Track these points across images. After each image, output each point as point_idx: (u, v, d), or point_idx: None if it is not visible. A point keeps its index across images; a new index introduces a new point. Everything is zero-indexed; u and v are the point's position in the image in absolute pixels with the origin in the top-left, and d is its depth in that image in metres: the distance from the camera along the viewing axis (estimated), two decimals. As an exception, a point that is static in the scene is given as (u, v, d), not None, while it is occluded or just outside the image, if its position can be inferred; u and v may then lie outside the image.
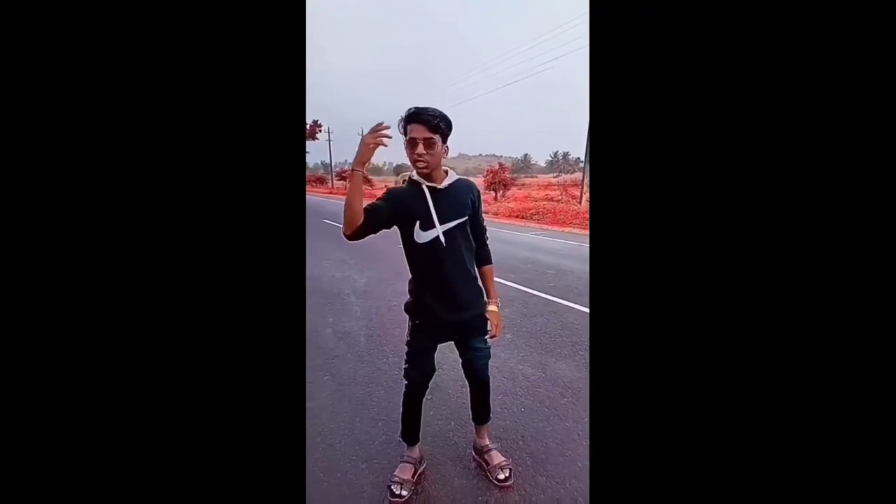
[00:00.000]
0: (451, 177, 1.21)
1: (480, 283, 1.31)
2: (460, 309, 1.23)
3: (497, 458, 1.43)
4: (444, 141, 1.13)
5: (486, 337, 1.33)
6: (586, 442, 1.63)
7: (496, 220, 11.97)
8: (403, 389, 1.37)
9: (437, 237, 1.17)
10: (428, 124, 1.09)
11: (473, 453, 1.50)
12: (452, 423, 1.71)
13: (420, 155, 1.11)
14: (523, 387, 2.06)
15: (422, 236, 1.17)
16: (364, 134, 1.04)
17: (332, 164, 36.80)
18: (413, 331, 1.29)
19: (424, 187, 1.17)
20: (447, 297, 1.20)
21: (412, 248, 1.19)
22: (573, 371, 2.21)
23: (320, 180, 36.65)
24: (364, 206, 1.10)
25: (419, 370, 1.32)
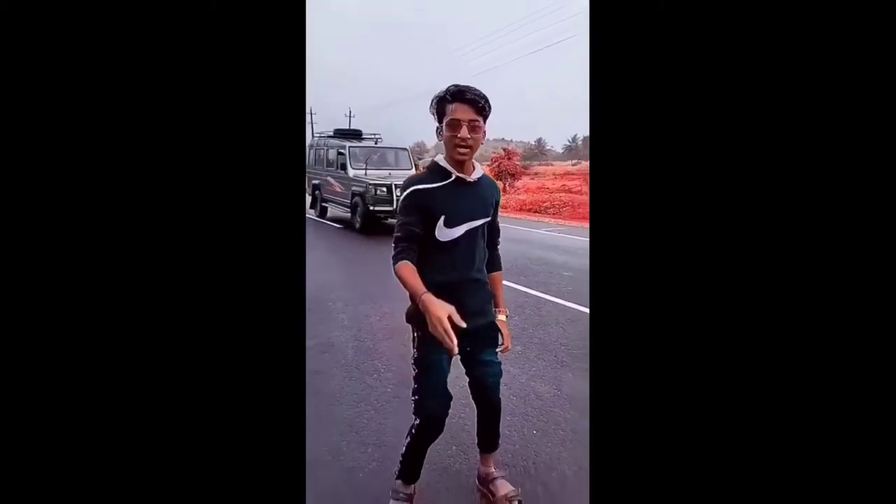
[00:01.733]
0: (478, 170, 1.17)
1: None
2: (471, 315, 1.10)
3: (504, 487, 1.34)
4: (485, 124, 1.09)
5: (498, 350, 1.24)
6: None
7: (503, 214, 11.44)
8: (412, 428, 1.19)
9: (459, 236, 1.13)
10: (475, 105, 1.05)
11: (477, 483, 1.42)
12: (454, 447, 1.63)
13: (464, 139, 1.06)
14: (536, 407, 1.96)
15: (444, 234, 1.11)
16: (440, 316, 0.96)
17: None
18: (420, 344, 1.15)
19: (455, 178, 1.11)
20: (458, 301, 1.06)
21: (427, 246, 1.11)
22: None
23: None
24: (397, 233, 1.11)
25: (436, 398, 1.15)
